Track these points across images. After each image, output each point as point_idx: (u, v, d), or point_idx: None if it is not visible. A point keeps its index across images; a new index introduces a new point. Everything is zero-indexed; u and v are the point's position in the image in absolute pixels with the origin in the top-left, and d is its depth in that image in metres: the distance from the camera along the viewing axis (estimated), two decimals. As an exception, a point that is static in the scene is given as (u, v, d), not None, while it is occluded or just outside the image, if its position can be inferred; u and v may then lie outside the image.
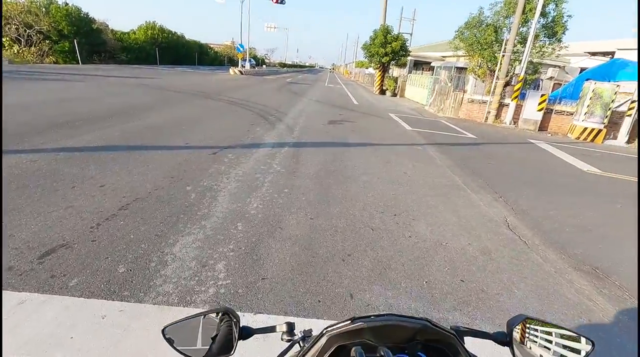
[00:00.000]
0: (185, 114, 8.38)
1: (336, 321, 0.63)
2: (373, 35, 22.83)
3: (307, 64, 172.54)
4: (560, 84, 15.62)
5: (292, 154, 5.71)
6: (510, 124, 12.86)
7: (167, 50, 39.13)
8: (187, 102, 10.30)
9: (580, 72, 17.58)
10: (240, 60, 33.09)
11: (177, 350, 0.67)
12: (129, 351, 1.71)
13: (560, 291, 2.66)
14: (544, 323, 0.72)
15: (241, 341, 0.72)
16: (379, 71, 24.38)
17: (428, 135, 9.22)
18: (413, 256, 2.90)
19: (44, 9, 23.95)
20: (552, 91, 15.88)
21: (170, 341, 0.67)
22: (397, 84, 23.89)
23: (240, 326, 0.72)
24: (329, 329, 0.63)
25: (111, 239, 2.66)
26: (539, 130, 12.54)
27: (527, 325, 0.72)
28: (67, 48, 24.63)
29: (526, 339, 0.71)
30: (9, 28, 21.23)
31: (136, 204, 3.29)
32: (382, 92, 24.43)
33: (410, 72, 25.90)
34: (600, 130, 11.27)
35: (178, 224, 3.00)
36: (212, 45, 65.31)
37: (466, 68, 16.37)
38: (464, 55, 15.73)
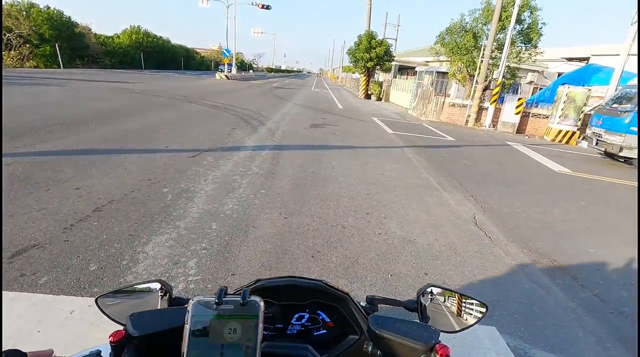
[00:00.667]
0: (167, 118, 8.39)
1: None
2: (358, 41, 23.18)
3: (294, 69, 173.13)
4: (540, 88, 16.18)
5: (272, 156, 5.80)
6: (489, 127, 13.22)
7: (152, 54, 38.95)
8: (170, 107, 10.29)
9: (558, 77, 18.24)
10: (226, 65, 33.11)
11: (111, 319, 0.69)
12: (96, 343, 1.76)
13: (518, 281, 2.81)
14: (447, 290, 0.81)
15: None
16: (364, 76, 24.74)
17: (408, 138, 9.42)
18: (381, 251, 3.02)
19: (24, 13, 23.58)
20: (532, 95, 16.45)
21: (103, 311, 0.70)
22: (382, 88, 24.25)
23: (173, 296, 0.76)
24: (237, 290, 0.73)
25: (84, 239, 2.70)
26: (517, 133, 12.94)
27: (433, 292, 0.81)
28: (48, 52, 24.31)
29: (432, 305, 0.80)
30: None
31: (111, 205, 3.33)
32: (368, 96, 24.76)
33: (395, 76, 26.35)
34: (574, 133, 11.72)
35: (152, 224, 3.05)
36: (198, 50, 65.15)
37: (448, 73, 16.78)
38: (446, 60, 16.14)
